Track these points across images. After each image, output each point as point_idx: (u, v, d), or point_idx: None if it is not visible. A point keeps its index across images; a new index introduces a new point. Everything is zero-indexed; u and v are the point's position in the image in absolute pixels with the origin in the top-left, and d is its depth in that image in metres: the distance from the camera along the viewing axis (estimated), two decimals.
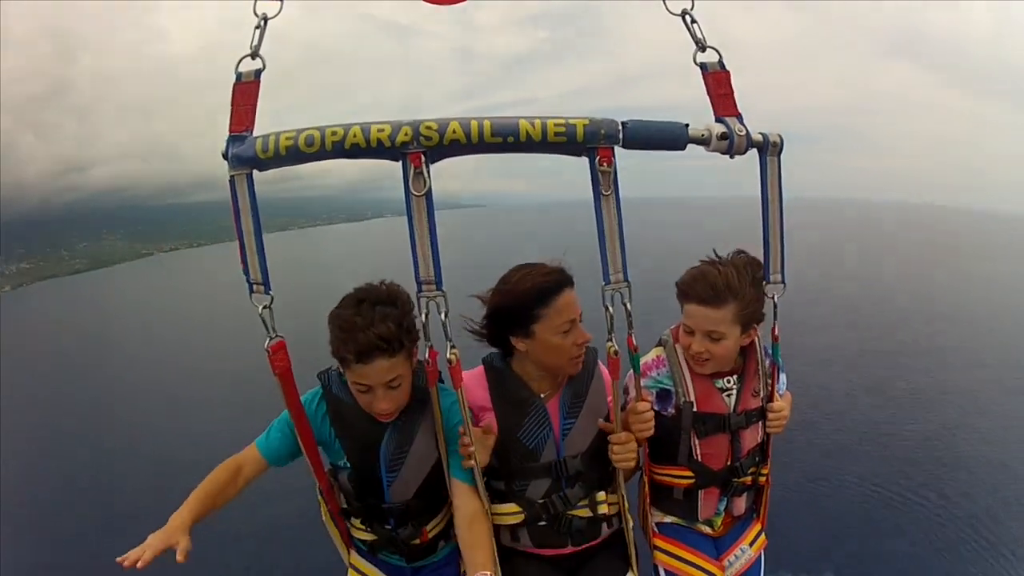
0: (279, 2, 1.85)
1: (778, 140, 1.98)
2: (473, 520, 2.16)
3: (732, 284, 2.20)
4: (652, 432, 2.24)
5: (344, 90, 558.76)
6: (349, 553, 2.48)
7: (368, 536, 2.40)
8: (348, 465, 2.26)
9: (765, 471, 2.53)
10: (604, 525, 2.43)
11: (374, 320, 1.97)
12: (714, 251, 2.34)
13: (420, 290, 1.87)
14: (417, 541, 2.37)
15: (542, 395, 2.34)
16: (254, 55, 1.83)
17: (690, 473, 2.44)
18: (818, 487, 13.73)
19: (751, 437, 2.45)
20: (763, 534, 2.62)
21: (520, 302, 2.20)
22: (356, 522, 2.41)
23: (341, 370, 2.15)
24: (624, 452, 2.23)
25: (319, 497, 2.35)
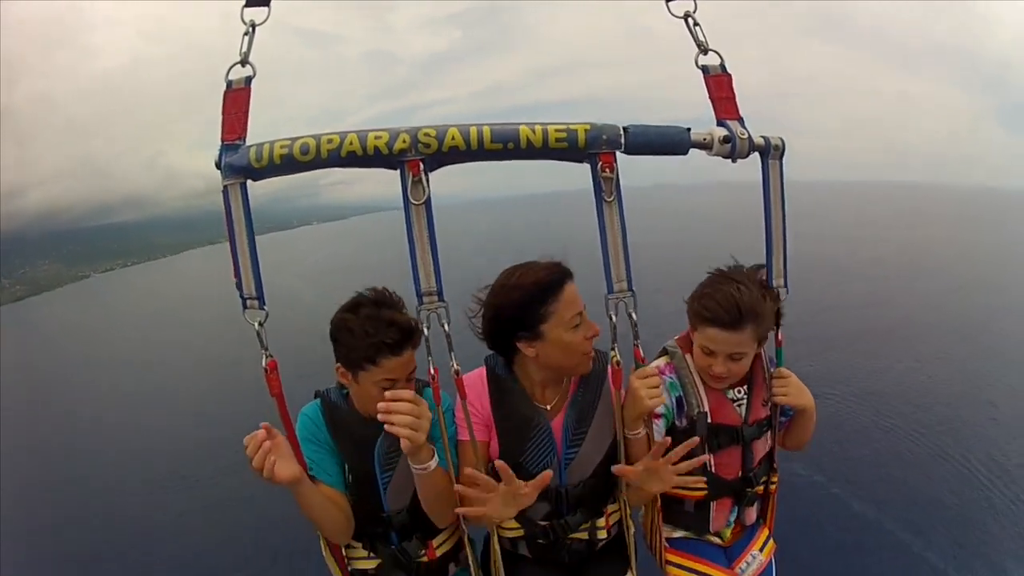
0: (266, 8, 1.81)
1: (780, 143, 2.00)
2: None
3: (756, 306, 2.11)
4: (660, 399, 2.02)
5: (268, 100, 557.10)
6: None
7: (371, 564, 2.30)
8: (348, 477, 2.19)
9: (775, 479, 2.54)
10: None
11: (396, 316, 2.06)
12: (731, 263, 2.29)
13: (421, 302, 1.79)
14: (424, 558, 2.30)
15: (548, 406, 2.26)
16: (244, 62, 1.79)
17: (703, 484, 2.40)
18: None
19: (761, 447, 2.46)
20: (772, 539, 2.64)
21: (526, 300, 2.05)
22: (358, 549, 2.31)
23: (349, 379, 2.13)
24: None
25: (317, 531, 2.21)
